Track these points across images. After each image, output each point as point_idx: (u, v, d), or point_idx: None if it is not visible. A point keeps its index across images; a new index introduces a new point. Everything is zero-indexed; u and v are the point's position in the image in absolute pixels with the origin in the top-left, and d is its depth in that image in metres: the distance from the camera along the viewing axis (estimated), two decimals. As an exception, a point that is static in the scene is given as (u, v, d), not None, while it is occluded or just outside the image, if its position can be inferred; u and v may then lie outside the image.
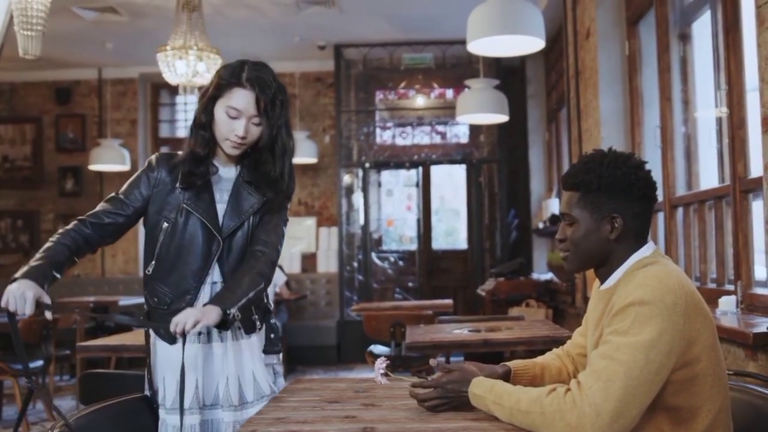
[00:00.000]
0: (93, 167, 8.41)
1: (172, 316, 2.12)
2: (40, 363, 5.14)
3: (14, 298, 1.93)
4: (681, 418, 1.62)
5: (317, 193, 9.11)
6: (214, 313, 2.02)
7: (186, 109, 9.63)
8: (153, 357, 2.24)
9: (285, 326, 7.78)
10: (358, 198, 9.09)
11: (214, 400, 2.20)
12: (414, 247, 9.37)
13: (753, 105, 3.11)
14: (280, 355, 2.35)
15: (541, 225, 7.87)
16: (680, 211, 4.16)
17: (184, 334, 1.99)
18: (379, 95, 9.47)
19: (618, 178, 1.71)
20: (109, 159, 8.27)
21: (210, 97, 2.19)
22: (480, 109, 6.14)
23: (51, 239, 2.15)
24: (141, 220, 2.29)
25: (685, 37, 4.20)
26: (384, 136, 9.35)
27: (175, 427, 2.13)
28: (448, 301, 6.51)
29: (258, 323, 2.28)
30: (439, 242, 9.66)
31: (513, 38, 3.88)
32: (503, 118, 6.37)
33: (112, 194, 2.26)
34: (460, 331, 3.53)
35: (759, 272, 3.22)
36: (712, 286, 3.69)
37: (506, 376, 1.86)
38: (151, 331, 2.27)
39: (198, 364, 2.19)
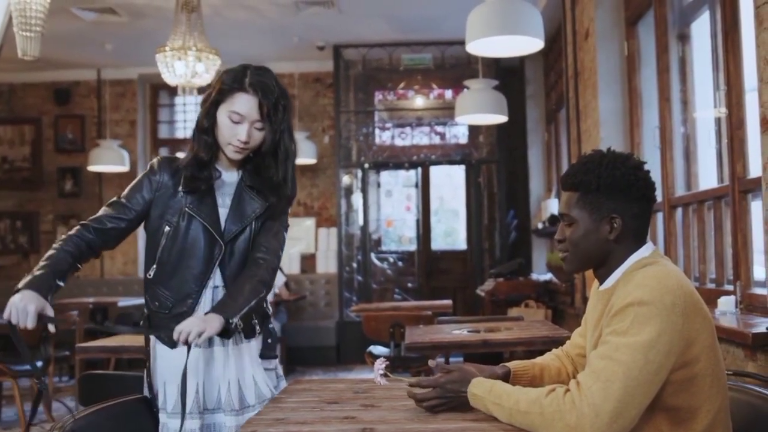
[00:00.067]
0: (92, 168, 8.40)
1: (173, 320, 2.13)
2: (39, 364, 5.14)
3: (16, 311, 1.92)
4: (680, 419, 1.62)
5: (316, 193, 9.11)
6: (216, 322, 2.02)
7: (185, 110, 9.64)
8: (153, 361, 2.24)
9: (284, 327, 7.78)
10: (357, 198, 9.09)
11: (215, 404, 2.20)
12: (413, 247, 9.38)
13: (752, 105, 3.11)
14: (278, 359, 2.34)
15: (540, 225, 7.87)
16: (679, 211, 4.16)
17: (187, 344, 2.00)
18: (378, 96, 9.47)
19: (617, 178, 1.71)
20: (108, 160, 8.27)
21: (212, 101, 2.18)
22: (479, 110, 6.14)
23: (54, 246, 2.13)
24: (141, 224, 2.29)
25: (684, 38, 4.20)
26: (383, 137, 9.35)
27: None
28: (448, 302, 6.51)
29: (258, 327, 2.28)
30: (438, 243, 9.66)
31: (512, 39, 3.87)
32: (502, 119, 6.36)
33: (114, 198, 2.26)
34: (459, 332, 3.53)
35: (758, 272, 3.22)
36: (711, 286, 3.69)
37: (506, 377, 1.86)
38: (151, 331, 2.27)
39: (199, 368, 2.19)
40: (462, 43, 4.06)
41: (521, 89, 8.69)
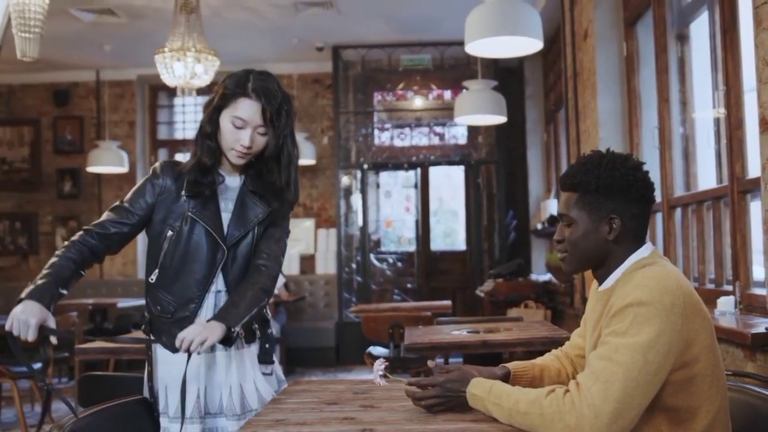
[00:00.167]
0: (91, 169, 8.40)
1: (175, 324, 2.14)
2: (39, 365, 5.14)
3: (18, 323, 1.93)
4: (680, 419, 1.62)
5: (316, 194, 9.11)
6: (218, 330, 2.03)
7: (184, 111, 9.64)
8: (154, 365, 2.23)
9: (284, 328, 7.78)
10: (356, 199, 9.09)
11: (217, 409, 2.21)
12: (413, 248, 9.38)
13: (751, 105, 3.12)
14: (275, 365, 2.34)
15: (539, 226, 7.88)
16: (678, 211, 4.16)
17: (189, 351, 2.00)
18: (377, 96, 9.47)
19: (616, 179, 1.71)
20: (107, 161, 8.26)
21: (215, 106, 2.18)
22: (478, 110, 6.14)
23: (56, 253, 2.13)
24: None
25: (682, 38, 4.21)
26: (382, 138, 9.35)
27: None
28: (447, 303, 6.51)
29: (258, 332, 2.29)
30: (437, 243, 9.66)
31: (511, 39, 3.87)
32: (501, 119, 6.37)
33: (117, 203, 2.25)
34: (458, 333, 3.53)
35: (757, 273, 3.22)
36: (711, 286, 3.69)
37: (505, 378, 1.86)
38: (151, 337, 2.26)
39: (201, 372, 2.19)
40: (461, 43, 4.07)
41: (520, 90, 8.69)
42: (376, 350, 5.28)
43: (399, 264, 9.37)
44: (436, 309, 5.82)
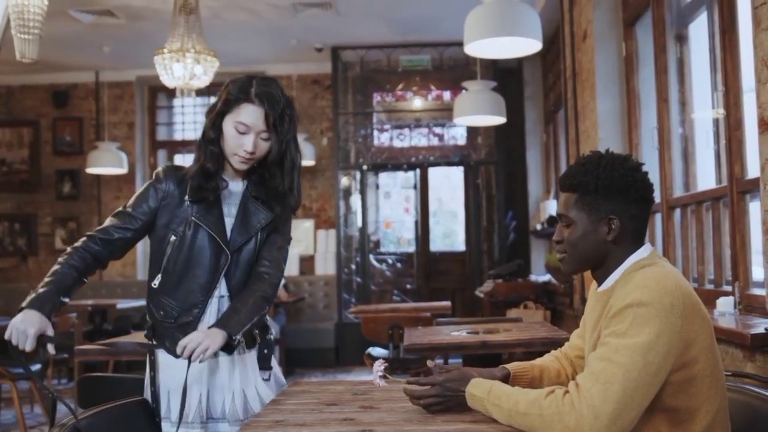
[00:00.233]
0: (90, 170, 8.40)
1: (178, 329, 2.14)
2: (38, 366, 5.14)
3: (17, 333, 1.94)
4: (679, 420, 1.62)
5: (315, 195, 9.11)
6: (220, 337, 2.04)
7: (183, 112, 9.64)
8: (156, 370, 2.23)
9: (283, 329, 7.77)
10: (355, 200, 9.09)
11: (220, 414, 2.21)
12: (412, 249, 9.38)
13: (750, 106, 3.12)
14: (272, 371, 2.34)
15: (538, 226, 7.88)
16: (678, 212, 4.16)
17: (190, 359, 2.01)
18: (376, 97, 9.47)
19: (615, 179, 1.71)
20: (106, 162, 8.26)
21: (218, 112, 2.18)
22: (477, 111, 6.14)
23: (59, 260, 2.13)
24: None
25: (681, 39, 4.21)
26: (381, 138, 9.35)
27: None
28: (447, 303, 6.50)
29: (258, 338, 2.30)
30: (437, 244, 9.66)
31: (510, 40, 3.87)
32: (501, 120, 6.37)
33: (120, 209, 2.25)
34: (458, 333, 3.53)
35: (756, 273, 3.22)
36: (710, 287, 3.69)
37: (505, 380, 1.86)
38: (154, 342, 2.26)
39: (203, 377, 2.19)
40: (460, 44, 4.07)
41: (519, 90, 8.69)
42: (376, 351, 5.28)
43: (398, 265, 9.37)
44: (435, 310, 5.82)
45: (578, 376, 1.62)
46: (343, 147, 8.91)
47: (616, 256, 1.75)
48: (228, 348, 2.10)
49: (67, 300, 2.09)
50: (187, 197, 2.20)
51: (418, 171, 9.15)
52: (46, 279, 2.07)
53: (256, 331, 2.28)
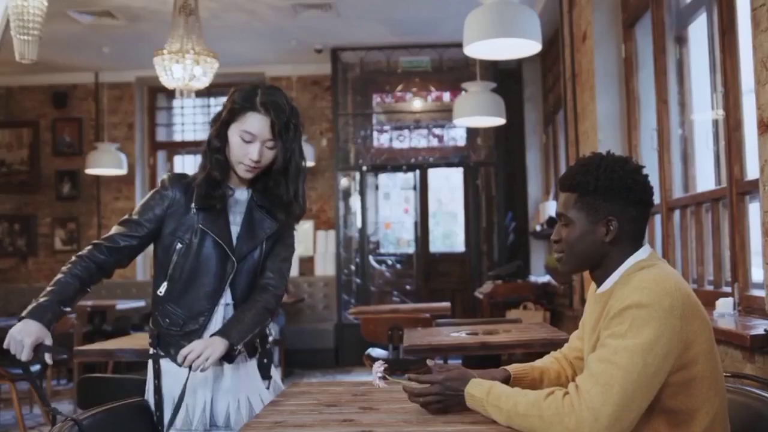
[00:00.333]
0: (90, 171, 8.40)
1: (184, 337, 2.15)
2: (38, 367, 5.13)
3: (14, 343, 1.95)
4: (678, 421, 1.62)
5: (315, 196, 9.10)
6: (221, 346, 2.05)
7: (183, 113, 9.64)
8: (160, 379, 2.22)
9: (283, 330, 7.77)
10: (355, 201, 9.10)
11: (224, 421, 2.21)
12: (411, 250, 9.38)
13: (749, 107, 3.12)
14: (271, 380, 2.34)
15: (538, 228, 7.88)
16: (677, 213, 4.17)
17: (191, 368, 2.02)
18: (376, 98, 9.48)
19: (615, 181, 1.71)
20: (106, 163, 8.26)
21: (223, 121, 2.17)
22: (477, 112, 6.15)
23: (63, 269, 2.13)
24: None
25: (681, 40, 4.21)
26: (381, 139, 9.35)
27: None
28: (446, 304, 6.50)
29: (258, 347, 2.31)
30: (436, 245, 9.67)
31: (510, 41, 3.87)
32: (500, 121, 6.37)
33: (126, 217, 2.25)
34: (457, 334, 3.53)
35: (756, 274, 3.22)
36: (709, 288, 3.69)
37: (505, 382, 1.86)
38: (160, 353, 2.26)
39: (208, 384, 2.20)
40: (460, 45, 4.07)
41: (519, 92, 8.70)
42: (375, 352, 5.27)
43: (398, 266, 9.38)
44: (435, 311, 5.81)
45: (578, 377, 1.62)
46: (343, 148, 8.91)
47: (614, 258, 1.75)
48: (228, 357, 2.10)
49: (67, 310, 2.09)
50: (193, 205, 2.20)
51: (417, 172, 9.15)
52: (48, 288, 2.07)
53: (257, 341, 2.29)
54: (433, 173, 9.36)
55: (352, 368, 8.09)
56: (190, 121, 9.58)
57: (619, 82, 4.94)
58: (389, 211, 9.68)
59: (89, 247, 2.18)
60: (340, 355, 8.41)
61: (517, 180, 8.83)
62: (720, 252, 3.55)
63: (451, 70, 8.79)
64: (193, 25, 5.26)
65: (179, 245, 2.19)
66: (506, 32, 3.76)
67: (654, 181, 1.89)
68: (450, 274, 9.14)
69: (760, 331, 2.56)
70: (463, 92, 6.57)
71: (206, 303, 2.19)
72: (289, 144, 2.18)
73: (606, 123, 4.95)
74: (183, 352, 2.03)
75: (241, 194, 2.27)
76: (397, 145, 9.30)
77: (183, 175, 2.28)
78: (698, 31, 3.98)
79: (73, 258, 2.16)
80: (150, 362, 2.26)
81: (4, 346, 1.95)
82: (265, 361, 2.33)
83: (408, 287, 9.22)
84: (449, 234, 10.21)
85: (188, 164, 9.69)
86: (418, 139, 9.33)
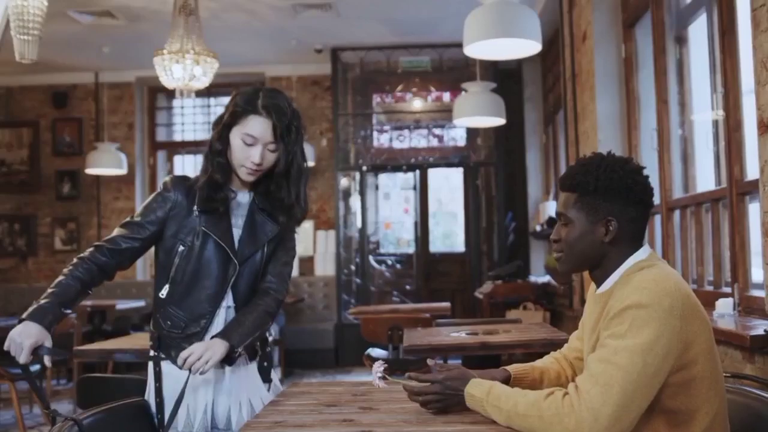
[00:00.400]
0: (90, 171, 8.40)
1: (186, 340, 2.15)
2: (37, 367, 5.13)
3: (14, 345, 1.96)
4: (678, 421, 1.62)
5: (314, 196, 9.10)
6: (222, 348, 2.06)
7: (183, 113, 9.64)
8: (161, 382, 2.22)
9: (282, 330, 7.77)
10: (355, 201, 9.09)
11: (225, 424, 2.21)
12: (411, 250, 9.38)
13: (749, 108, 3.12)
14: (271, 383, 2.34)
15: (538, 228, 7.88)
16: (677, 213, 4.17)
17: (191, 371, 2.02)
18: (376, 98, 9.48)
19: (615, 181, 1.71)
20: (106, 163, 8.27)
21: (225, 124, 2.18)
22: (477, 112, 6.15)
23: (64, 271, 2.13)
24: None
25: (681, 40, 4.21)
26: (381, 140, 9.35)
27: None
28: (446, 304, 6.50)
29: (259, 350, 2.31)
30: (436, 245, 9.67)
31: (510, 41, 3.87)
32: (500, 121, 6.38)
33: (128, 219, 2.25)
34: (457, 334, 3.53)
35: (756, 275, 3.22)
36: (709, 288, 3.69)
37: (506, 382, 1.86)
38: (161, 356, 2.26)
39: (210, 386, 2.20)
40: (460, 45, 4.07)
41: (519, 92, 8.70)
42: (375, 352, 5.27)
43: (398, 266, 9.38)
44: (435, 311, 5.81)
45: (577, 377, 1.62)
46: (343, 148, 8.91)
47: (613, 258, 1.75)
48: (229, 359, 2.11)
49: (68, 312, 2.09)
50: (196, 207, 2.20)
51: (417, 172, 9.15)
52: (49, 290, 2.07)
53: (258, 344, 2.29)
54: (433, 173, 9.36)
55: (352, 368, 8.10)
56: (190, 121, 9.58)
57: (619, 82, 4.94)
58: (389, 211, 9.69)
59: (91, 249, 2.18)
60: (340, 355, 8.41)
61: (517, 180, 8.83)
62: (720, 252, 3.55)
63: (451, 70, 8.80)
64: (193, 25, 5.26)
65: (181, 247, 2.19)
66: (506, 32, 3.76)
67: (654, 181, 1.89)
68: (450, 274, 9.15)
69: (760, 331, 2.56)
70: (463, 92, 6.57)
71: (208, 305, 2.19)
72: (291, 147, 2.18)
73: (606, 123, 4.95)
74: (183, 354, 2.04)
75: (243, 197, 2.27)
76: (397, 145, 9.30)
77: (185, 178, 2.28)
78: (698, 31, 3.98)
79: (75, 260, 2.15)
80: (150, 364, 2.26)
81: (5, 347, 1.96)
82: (266, 364, 2.33)
83: (408, 287, 9.22)
84: (449, 234, 10.21)
85: (188, 164, 9.69)
86: (418, 139, 9.33)
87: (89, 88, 9.24)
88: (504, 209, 8.65)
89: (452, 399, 1.75)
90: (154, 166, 9.50)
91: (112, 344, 3.81)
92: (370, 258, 9.13)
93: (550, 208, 7.30)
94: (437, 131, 9.33)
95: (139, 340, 3.64)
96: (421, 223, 9.16)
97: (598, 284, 1.80)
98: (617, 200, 1.72)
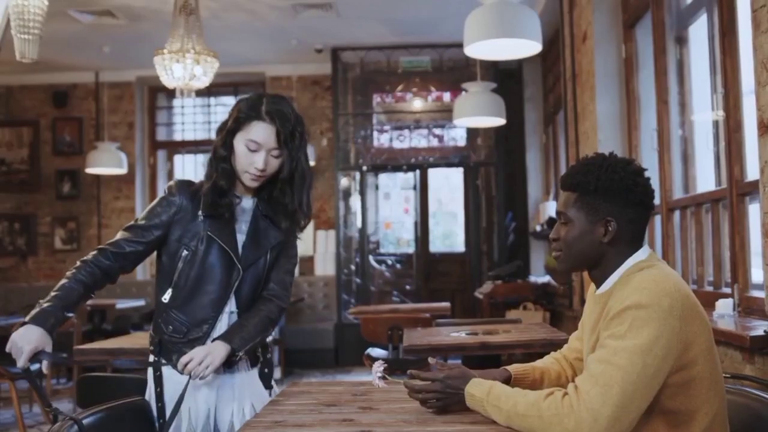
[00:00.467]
0: (90, 170, 8.40)
1: (188, 345, 2.14)
2: (37, 366, 5.13)
3: (15, 349, 1.97)
4: (678, 421, 1.62)
5: (315, 196, 9.04)
6: (223, 352, 2.07)
7: (183, 113, 9.64)
8: (162, 387, 2.21)
9: (282, 329, 7.77)
10: (355, 201, 9.09)
11: (228, 429, 2.20)
12: (411, 250, 9.38)
13: (749, 108, 3.12)
14: (272, 390, 2.34)
15: (538, 228, 7.88)
16: (677, 214, 4.17)
17: (191, 376, 2.02)
18: (376, 98, 9.48)
19: (615, 182, 1.71)
20: (106, 162, 8.27)
21: (229, 130, 2.18)
22: (477, 112, 6.15)
23: (67, 274, 2.13)
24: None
25: (681, 41, 4.21)
26: (381, 139, 9.35)
27: None
28: (446, 304, 6.50)
29: (260, 357, 2.31)
30: (436, 245, 9.67)
31: (510, 41, 3.87)
32: (500, 121, 6.38)
33: (132, 222, 2.25)
34: (457, 335, 3.53)
35: (756, 275, 3.22)
36: (709, 289, 3.69)
37: (506, 382, 1.86)
38: (162, 361, 2.25)
39: (212, 392, 2.20)
40: (460, 45, 4.07)
41: (519, 92, 8.70)
42: (375, 352, 5.27)
43: (398, 266, 9.38)
44: (434, 311, 5.81)
45: (577, 378, 1.62)
46: (343, 148, 8.91)
47: (612, 258, 1.75)
48: (229, 363, 2.11)
49: (71, 315, 2.09)
50: (200, 212, 2.20)
51: (417, 172, 9.15)
52: (52, 293, 2.07)
53: (259, 350, 2.30)
54: (433, 173, 9.36)
55: (351, 368, 8.10)
56: (191, 121, 9.58)
57: (619, 83, 4.94)
58: (389, 211, 9.69)
59: (94, 252, 2.18)
60: (339, 355, 8.41)
61: (517, 180, 8.83)
62: (720, 253, 3.55)
63: (452, 70, 8.80)
64: (193, 24, 5.26)
65: (185, 252, 2.19)
66: (506, 32, 3.76)
67: (654, 181, 1.89)
68: (450, 274, 9.15)
69: (760, 332, 2.56)
70: (463, 92, 6.57)
71: (211, 310, 2.19)
72: (295, 152, 2.19)
73: (606, 123, 4.95)
74: (183, 359, 2.04)
75: (248, 203, 2.27)
76: (397, 145, 9.30)
77: (190, 182, 2.28)
78: (698, 31, 3.98)
79: (78, 263, 2.15)
80: (150, 369, 2.25)
81: (6, 349, 1.97)
82: (267, 371, 2.33)
83: (408, 287, 9.22)
84: (449, 234, 10.21)
85: (188, 163, 9.69)
86: (418, 139, 9.33)
87: (89, 88, 9.24)
88: (504, 209, 8.65)
89: (452, 398, 1.75)
90: (154, 166, 9.50)
91: (112, 343, 3.81)
92: (370, 258, 9.13)
93: (550, 208, 7.30)
94: (437, 131, 9.33)
95: (139, 339, 3.64)
96: (421, 223, 9.16)
97: (598, 285, 1.80)
98: (617, 201, 1.72)
